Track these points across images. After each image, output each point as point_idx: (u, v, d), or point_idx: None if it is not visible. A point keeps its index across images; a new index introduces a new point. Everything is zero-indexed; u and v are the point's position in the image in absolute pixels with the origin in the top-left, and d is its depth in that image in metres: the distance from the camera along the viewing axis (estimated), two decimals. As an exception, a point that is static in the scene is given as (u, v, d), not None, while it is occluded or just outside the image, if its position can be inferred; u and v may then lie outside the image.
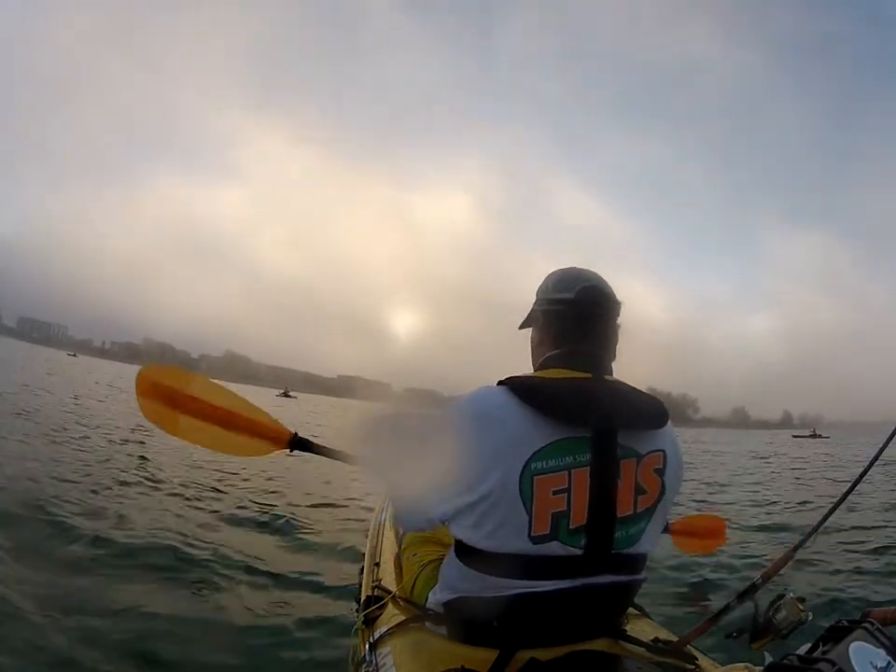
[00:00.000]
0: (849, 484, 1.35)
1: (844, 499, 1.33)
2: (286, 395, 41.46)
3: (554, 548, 0.86)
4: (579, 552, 0.87)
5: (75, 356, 79.53)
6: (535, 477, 0.84)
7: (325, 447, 1.25)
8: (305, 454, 1.26)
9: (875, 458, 1.36)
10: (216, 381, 1.26)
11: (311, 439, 1.27)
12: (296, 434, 1.26)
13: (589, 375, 0.96)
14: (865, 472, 1.36)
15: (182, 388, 1.19)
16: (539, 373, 1.00)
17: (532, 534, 0.85)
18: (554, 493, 0.85)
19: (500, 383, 0.94)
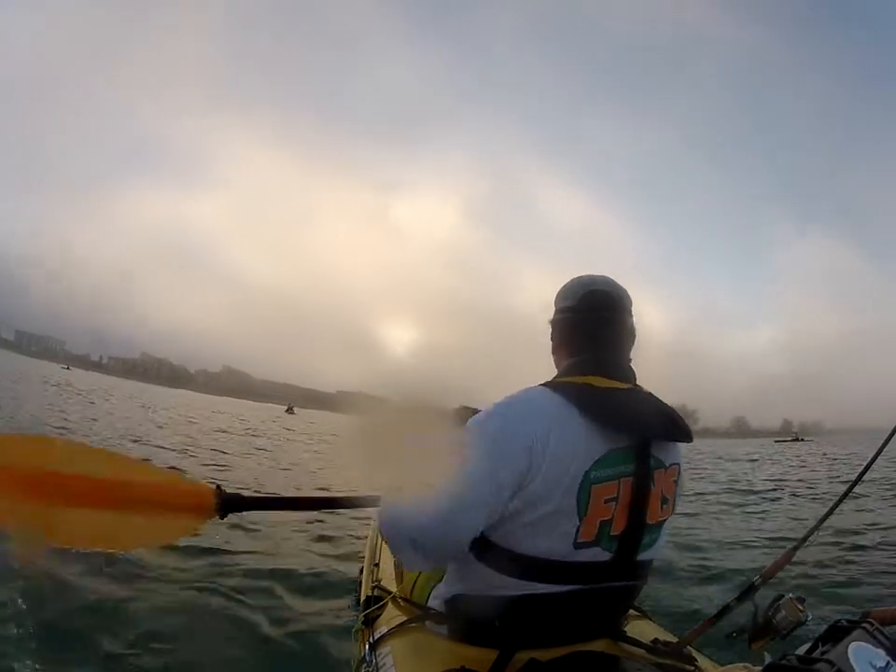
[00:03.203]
0: (848, 485, 1.35)
1: (842, 500, 1.33)
2: (290, 411, 42.13)
3: (594, 553, 0.88)
4: (607, 556, 0.89)
5: (68, 368, 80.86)
6: (592, 486, 0.86)
7: (266, 498, 1.01)
8: (242, 513, 0.99)
9: (873, 460, 1.36)
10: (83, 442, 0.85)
11: (240, 492, 0.99)
12: (219, 488, 0.95)
13: (630, 385, 0.97)
14: (863, 474, 1.36)
15: (44, 464, 0.76)
16: (581, 379, 0.96)
17: (578, 540, 0.86)
18: (606, 501, 0.87)
19: (544, 386, 0.94)
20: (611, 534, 0.88)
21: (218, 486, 0.95)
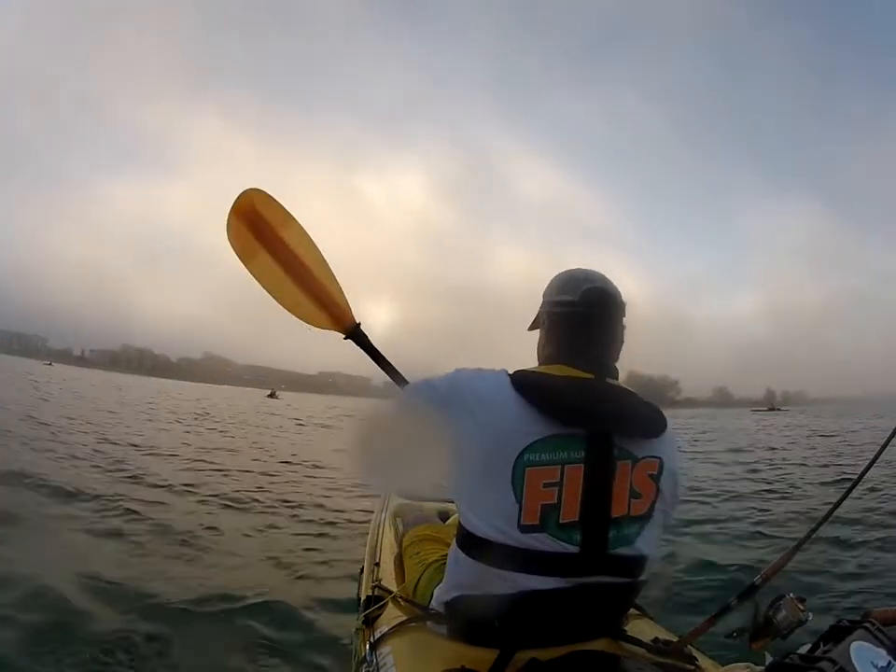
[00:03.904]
0: (849, 485, 1.34)
1: (843, 500, 1.33)
2: (272, 396, 42.24)
3: (544, 540, 0.87)
4: (574, 548, 0.88)
5: (50, 364, 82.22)
6: (527, 468, 0.86)
7: (377, 351, 1.22)
8: (358, 348, 1.23)
9: (875, 458, 1.35)
10: (309, 235, 1.23)
11: (368, 336, 1.24)
12: (359, 325, 1.23)
13: (591, 376, 0.97)
14: (864, 473, 1.36)
15: (277, 227, 1.16)
16: (542, 368, 1.01)
17: (521, 523, 0.87)
18: (545, 485, 0.87)
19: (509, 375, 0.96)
20: (561, 521, 0.87)
21: (359, 323, 1.23)
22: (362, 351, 1.25)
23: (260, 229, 1.15)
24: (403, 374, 1.20)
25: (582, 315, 1.01)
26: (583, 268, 1.07)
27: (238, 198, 1.16)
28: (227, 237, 1.17)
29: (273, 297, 1.22)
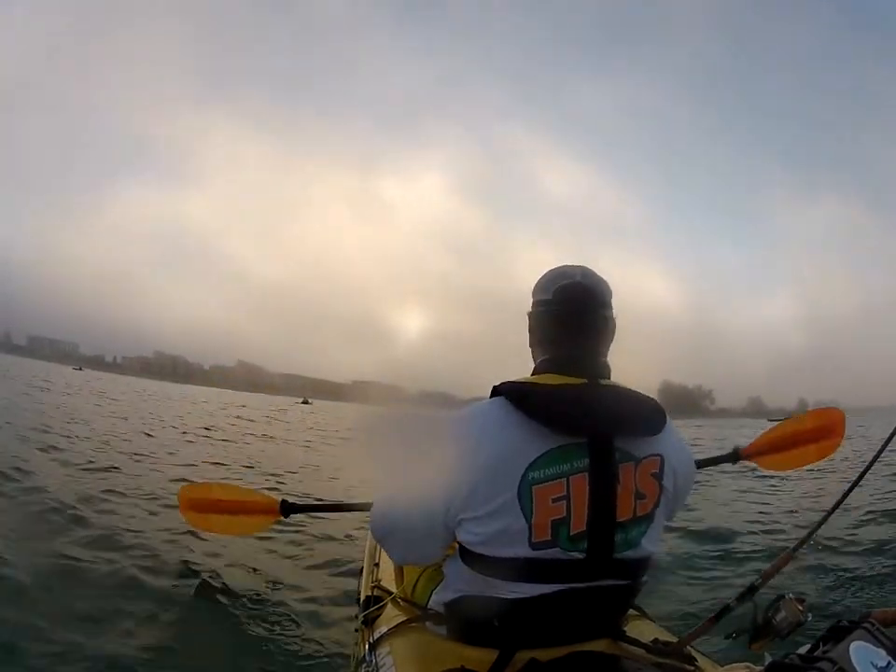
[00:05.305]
0: (849, 484, 1.34)
1: (843, 499, 1.33)
2: (305, 402, 45.47)
3: (556, 554, 0.86)
4: (580, 556, 0.87)
5: (80, 369, 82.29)
6: (533, 487, 0.85)
7: (315, 504, 1.42)
8: (299, 514, 1.46)
9: (874, 460, 1.36)
10: (226, 482, 1.60)
11: (298, 501, 1.46)
12: (284, 502, 1.43)
13: (584, 381, 0.94)
14: (864, 473, 1.36)
15: (209, 496, 1.49)
16: (534, 378, 0.98)
17: (533, 541, 0.85)
18: (553, 501, 0.86)
19: (495, 389, 0.94)
20: (571, 533, 0.86)
21: (283, 500, 1.44)
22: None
23: (201, 505, 1.48)
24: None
25: (557, 313, 0.99)
26: (569, 264, 1.04)
27: (178, 499, 1.49)
28: (187, 524, 1.55)
29: (230, 534, 1.62)
